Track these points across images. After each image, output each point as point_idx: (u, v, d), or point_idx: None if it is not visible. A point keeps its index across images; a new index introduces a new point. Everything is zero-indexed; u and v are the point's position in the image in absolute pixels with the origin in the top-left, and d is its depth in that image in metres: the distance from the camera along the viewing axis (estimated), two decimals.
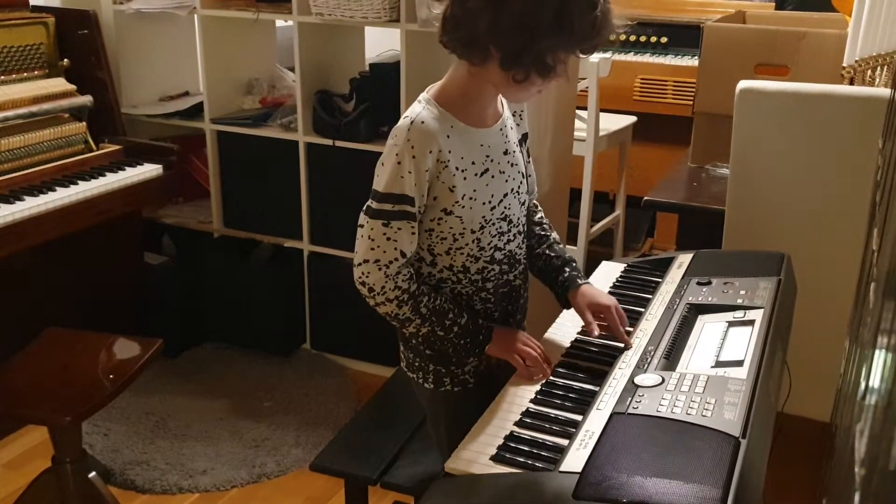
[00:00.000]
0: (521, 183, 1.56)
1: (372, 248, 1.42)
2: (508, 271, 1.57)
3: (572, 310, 1.64)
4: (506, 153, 1.51)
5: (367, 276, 1.44)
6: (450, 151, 1.42)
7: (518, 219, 1.56)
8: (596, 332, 1.55)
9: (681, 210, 2.54)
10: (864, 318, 1.40)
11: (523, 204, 1.59)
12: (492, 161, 1.49)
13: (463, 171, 1.44)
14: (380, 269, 1.43)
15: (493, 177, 1.49)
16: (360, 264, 1.45)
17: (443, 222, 1.47)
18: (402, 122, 1.42)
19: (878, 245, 1.41)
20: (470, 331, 1.50)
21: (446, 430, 1.60)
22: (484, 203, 1.48)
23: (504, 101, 1.54)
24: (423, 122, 1.40)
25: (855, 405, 1.19)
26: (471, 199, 1.46)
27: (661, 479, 1.11)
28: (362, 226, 1.44)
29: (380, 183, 1.42)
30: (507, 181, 1.52)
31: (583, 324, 1.61)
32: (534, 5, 1.29)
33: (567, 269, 1.64)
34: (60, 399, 2.00)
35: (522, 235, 1.60)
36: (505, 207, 1.52)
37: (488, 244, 1.52)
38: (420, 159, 1.39)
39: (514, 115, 1.59)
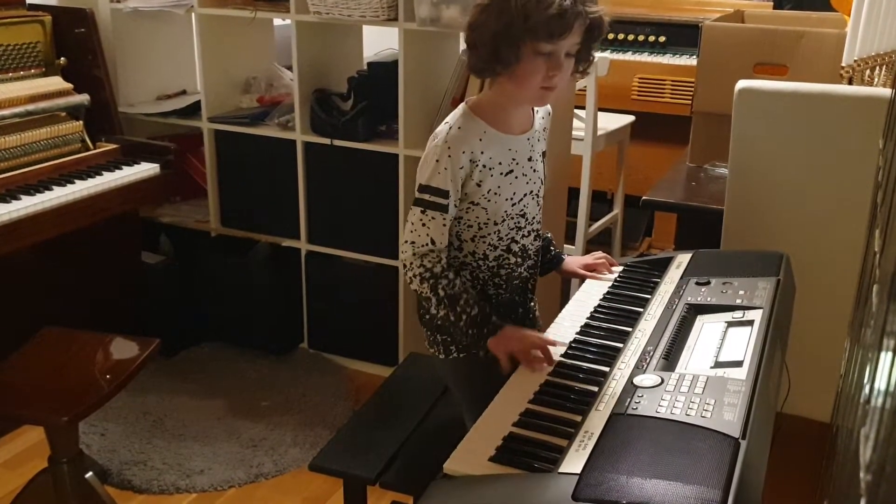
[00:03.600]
0: (540, 188, 1.74)
1: (411, 231, 1.64)
2: (521, 263, 1.75)
3: (571, 309, 1.75)
4: (530, 160, 1.69)
5: (404, 254, 1.66)
6: (482, 152, 1.61)
7: (533, 217, 1.74)
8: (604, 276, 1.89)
9: (679, 209, 2.53)
10: (866, 320, 1.40)
11: (539, 206, 1.76)
12: (517, 164, 1.67)
13: (490, 169, 1.63)
14: (413, 250, 1.63)
15: (516, 177, 1.67)
16: (402, 244, 1.66)
17: (470, 212, 1.66)
18: (443, 126, 1.63)
19: (881, 247, 1.40)
20: (477, 323, 1.62)
21: (462, 392, 1.80)
22: (506, 199, 1.67)
23: (536, 118, 1.72)
24: (459, 128, 1.61)
25: (858, 408, 1.18)
26: (495, 194, 1.65)
27: (660, 480, 1.11)
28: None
29: (422, 176, 1.63)
30: (527, 183, 1.69)
31: (581, 323, 1.67)
32: None
33: (552, 248, 1.90)
34: (57, 399, 1.99)
35: (535, 233, 1.77)
36: (524, 206, 1.70)
37: (506, 235, 1.70)
38: (455, 157, 1.59)
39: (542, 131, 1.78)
